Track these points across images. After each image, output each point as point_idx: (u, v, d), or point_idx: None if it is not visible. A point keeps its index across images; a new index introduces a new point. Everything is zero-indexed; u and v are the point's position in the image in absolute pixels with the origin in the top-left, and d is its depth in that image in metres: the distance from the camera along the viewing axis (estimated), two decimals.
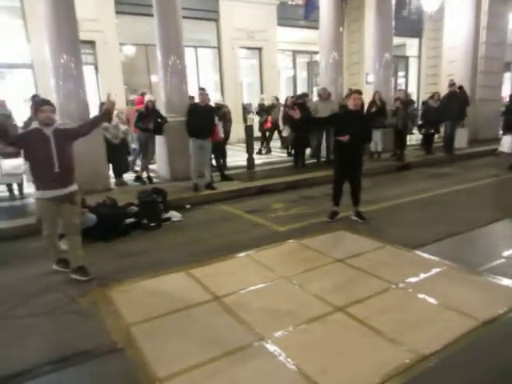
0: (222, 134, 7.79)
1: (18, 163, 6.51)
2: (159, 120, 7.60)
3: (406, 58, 17.61)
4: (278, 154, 11.30)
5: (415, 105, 11.75)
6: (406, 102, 9.57)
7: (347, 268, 3.93)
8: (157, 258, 4.39)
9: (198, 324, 3.01)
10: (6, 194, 6.84)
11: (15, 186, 6.87)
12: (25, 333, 3.02)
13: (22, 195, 6.86)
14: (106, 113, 4.27)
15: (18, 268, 4.31)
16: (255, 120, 12.01)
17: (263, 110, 11.44)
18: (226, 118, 8.85)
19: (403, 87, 16.58)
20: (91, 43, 10.90)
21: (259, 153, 11.13)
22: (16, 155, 6.62)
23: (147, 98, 7.99)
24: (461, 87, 10.15)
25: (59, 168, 3.70)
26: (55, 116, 4.10)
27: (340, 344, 2.70)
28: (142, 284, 3.76)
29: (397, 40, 11.85)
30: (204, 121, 6.82)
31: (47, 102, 3.84)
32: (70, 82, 6.77)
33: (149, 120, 7.54)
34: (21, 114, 7.86)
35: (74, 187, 3.93)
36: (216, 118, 7.39)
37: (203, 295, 3.46)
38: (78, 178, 5.04)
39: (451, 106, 9.71)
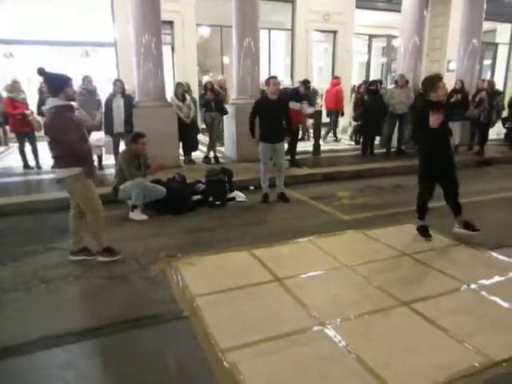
0: (307, 110, 7.64)
1: (100, 136, 7.00)
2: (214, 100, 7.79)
3: (495, 45, 16.18)
4: (345, 141, 11.03)
5: (502, 96, 10.78)
6: (492, 93, 8.82)
7: (415, 263, 3.78)
8: (221, 236, 4.52)
9: (259, 302, 3.08)
10: None
11: (95, 158, 7.34)
12: (101, 293, 3.29)
13: (101, 166, 7.35)
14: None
15: None
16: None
17: None
18: None
19: (488, 77, 15.30)
20: (170, 23, 11.26)
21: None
22: (98, 128, 7.13)
23: (205, 79, 8.12)
24: None
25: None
26: None
27: (403, 339, 2.62)
28: (207, 259, 3.91)
29: (486, 25, 10.87)
30: (276, 121, 5.60)
31: None
32: (149, 61, 7.08)
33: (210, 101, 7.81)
34: (103, 91, 8.41)
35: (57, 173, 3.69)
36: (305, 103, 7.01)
37: (265, 275, 3.52)
38: (151, 152, 5.38)
39: None
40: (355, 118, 9.77)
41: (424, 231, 4.41)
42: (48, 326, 2.79)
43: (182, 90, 7.81)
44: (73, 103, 3.73)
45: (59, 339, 2.64)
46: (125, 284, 3.42)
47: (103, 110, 7.14)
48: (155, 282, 3.44)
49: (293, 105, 6.90)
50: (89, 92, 7.21)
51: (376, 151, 8.87)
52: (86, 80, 7.21)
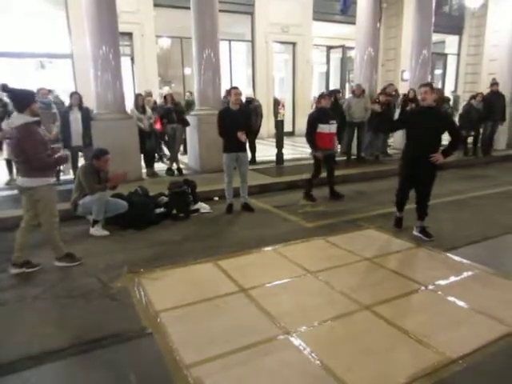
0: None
1: None
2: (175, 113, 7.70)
3: (445, 56, 17.08)
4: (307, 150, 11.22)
5: (450, 103, 11.38)
6: (441, 100, 9.29)
7: (375, 267, 3.89)
8: (185, 248, 4.48)
9: (224, 314, 3.07)
10: None
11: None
12: (61, 313, 3.17)
13: (58, 181, 7.09)
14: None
15: None
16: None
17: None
18: (258, 113, 8.87)
19: (439, 85, 16.11)
20: (129, 35, 11.14)
21: None
22: (55, 142, 6.89)
23: (165, 91, 8.04)
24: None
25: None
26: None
27: (366, 342, 2.69)
28: (171, 272, 3.85)
29: (436, 37, 11.49)
30: (238, 131, 5.50)
31: None
32: (107, 72, 6.95)
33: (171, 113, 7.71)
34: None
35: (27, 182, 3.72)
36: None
37: (230, 287, 3.51)
38: (111, 166, 5.23)
39: (493, 107, 9.37)
40: None
41: (397, 222, 4.92)
42: (1, 352, 2.66)
43: (141, 102, 7.71)
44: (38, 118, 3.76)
45: (13, 366, 2.51)
46: (85, 303, 3.30)
47: (59, 123, 6.93)
48: (117, 299, 3.35)
49: (322, 128, 6.26)
50: (44, 105, 6.97)
51: (337, 159, 9.05)
52: (41, 92, 6.97)
